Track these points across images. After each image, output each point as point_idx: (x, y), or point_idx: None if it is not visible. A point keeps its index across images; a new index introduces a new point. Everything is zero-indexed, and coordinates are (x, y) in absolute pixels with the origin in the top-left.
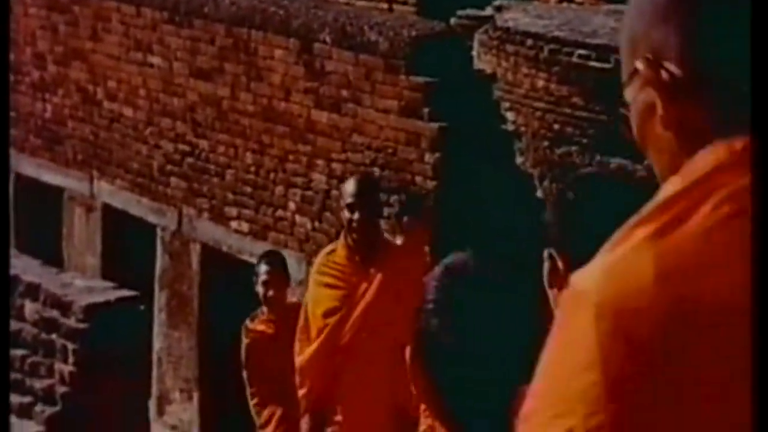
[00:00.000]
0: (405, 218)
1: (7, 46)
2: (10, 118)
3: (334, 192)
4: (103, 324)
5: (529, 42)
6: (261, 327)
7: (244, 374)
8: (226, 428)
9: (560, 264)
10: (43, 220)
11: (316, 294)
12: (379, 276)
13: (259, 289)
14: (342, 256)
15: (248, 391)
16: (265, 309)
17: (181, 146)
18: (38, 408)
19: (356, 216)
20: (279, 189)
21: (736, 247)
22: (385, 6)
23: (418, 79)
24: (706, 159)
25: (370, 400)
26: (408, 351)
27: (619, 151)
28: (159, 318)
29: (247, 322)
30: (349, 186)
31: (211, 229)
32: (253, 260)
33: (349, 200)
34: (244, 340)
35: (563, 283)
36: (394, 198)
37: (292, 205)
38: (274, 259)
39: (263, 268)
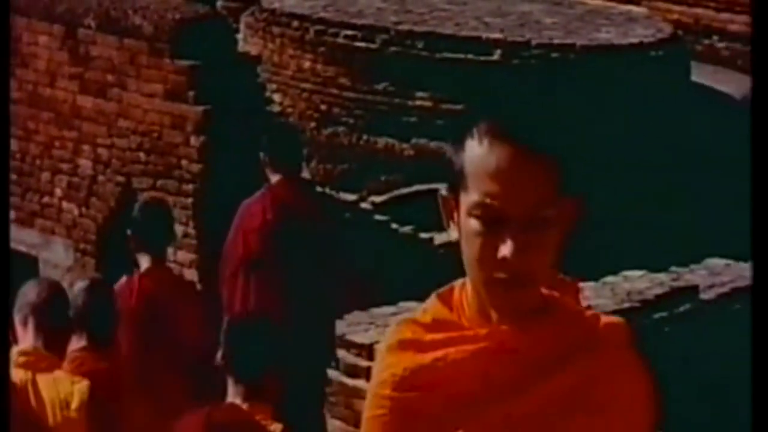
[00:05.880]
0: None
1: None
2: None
3: (101, 177)
4: None
5: (295, 23)
6: None
7: None
8: None
9: None
10: None
11: None
12: None
13: None
14: None
15: None
16: None
17: None
18: None
19: None
20: (45, 175)
21: None
22: None
23: (183, 62)
24: None
25: None
26: None
27: (386, 130)
28: None
29: None
30: None
31: None
32: (23, 248)
33: None
34: None
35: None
36: (160, 182)
37: (58, 192)
38: None
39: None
